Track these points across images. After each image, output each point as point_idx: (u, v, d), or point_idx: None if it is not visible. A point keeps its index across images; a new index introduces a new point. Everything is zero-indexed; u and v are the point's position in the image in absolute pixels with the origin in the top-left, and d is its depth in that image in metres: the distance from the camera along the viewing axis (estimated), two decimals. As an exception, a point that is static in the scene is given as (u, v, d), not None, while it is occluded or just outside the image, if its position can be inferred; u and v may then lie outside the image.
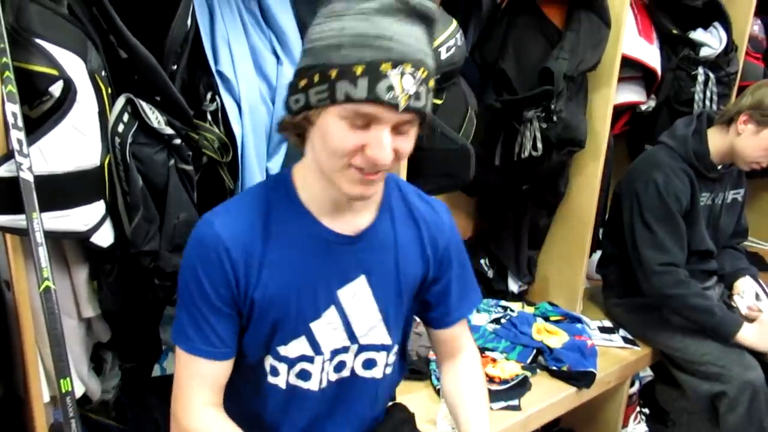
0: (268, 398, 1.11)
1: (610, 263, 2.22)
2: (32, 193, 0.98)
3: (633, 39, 2.16)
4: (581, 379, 1.84)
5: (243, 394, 1.13)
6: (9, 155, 0.98)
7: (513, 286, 2.25)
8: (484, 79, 1.96)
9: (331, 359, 1.10)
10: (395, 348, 1.16)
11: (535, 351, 1.91)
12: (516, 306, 2.15)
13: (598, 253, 2.33)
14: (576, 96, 1.93)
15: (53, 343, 0.94)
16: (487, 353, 1.89)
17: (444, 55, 1.51)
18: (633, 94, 2.29)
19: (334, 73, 0.85)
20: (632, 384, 2.20)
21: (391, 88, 0.84)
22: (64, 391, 0.94)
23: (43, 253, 0.97)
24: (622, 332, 2.15)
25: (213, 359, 1.02)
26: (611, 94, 1.98)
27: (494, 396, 1.72)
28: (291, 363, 1.07)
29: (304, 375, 1.09)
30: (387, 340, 1.13)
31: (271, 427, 1.13)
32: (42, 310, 0.97)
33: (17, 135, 0.97)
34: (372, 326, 1.11)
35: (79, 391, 1.27)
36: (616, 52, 1.93)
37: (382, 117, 0.87)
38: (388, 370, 1.17)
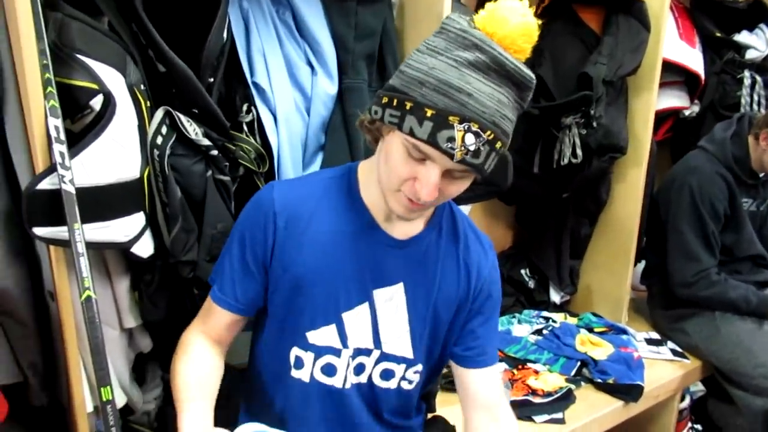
0: (290, 394, 1.12)
1: (654, 273, 2.16)
2: (74, 205, 0.99)
3: (674, 43, 2.11)
4: (628, 392, 1.78)
5: (266, 390, 1.15)
6: (52, 168, 1.00)
7: (555, 296, 2.20)
8: (521, 86, 1.94)
9: (353, 357, 1.10)
10: (418, 365, 1.15)
11: (579, 363, 1.86)
12: (558, 317, 2.10)
13: (643, 263, 2.27)
14: (616, 101, 1.89)
15: (94, 351, 0.95)
16: (530, 365, 1.85)
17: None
18: (675, 99, 2.24)
19: (408, 106, 0.89)
20: (682, 398, 2.12)
21: (452, 139, 0.87)
22: (104, 399, 0.95)
23: (84, 263, 0.98)
24: (670, 344, 2.08)
25: (221, 307, 1.10)
26: (653, 99, 1.93)
27: (537, 409, 1.68)
28: (318, 352, 1.09)
29: (330, 369, 1.10)
30: (409, 353, 1.13)
31: (291, 427, 1.13)
32: (83, 320, 0.98)
33: (59, 148, 0.99)
34: (398, 335, 1.11)
35: (121, 401, 1.29)
36: (656, 56, 1.89)
37: (436, 159, 0.90)
38: (404, 384, 1.15)
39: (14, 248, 1.09)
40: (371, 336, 1.10)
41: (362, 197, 1.07)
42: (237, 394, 1.27)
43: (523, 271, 2.20)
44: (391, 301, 1.09)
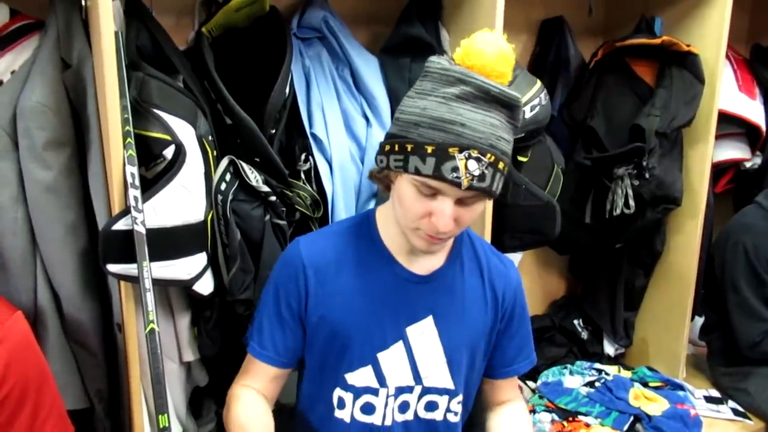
0: None
1: (713, 329, 2.10)
2: (144, 245, 1.08)
3: (733, 95, 2.09)
4: (683, 450, 1.72)
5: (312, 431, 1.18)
6: (126, 211, 1.10)
7: (609, 348, 2.16)
8: (573, 137, 1.97)
9: (395, 396, 1.14)
10: (459, 396, 1.18)
11: (632, 418, 1.81)
12: (612, 369, 2.05)
13: (702, 318, 2.21)
14: (670, 153, 1.89)
15: (154, 381, 1.03)
16: (581, 418, 1.82)
17: (528, 114, 1.55)
18: (736, 151, 2.20)
19: (409, 147, 0.96)
20: (745, 460, 2.02)
21: (455, 169, 0.93)
22: (161, 426, 1.01)
23: (150, 298, 1.06)
24: (731, 403, 1.99)
25: (262, 361, 1.14)
26: (709, 151, 1.92)
27: (587, 463, 1.65)
28: (356, 393, 1.13)
29: (368, 409, 1.13)
30: (450, 384, 1.16)
31: None
32: (146, 351, 1.06)
33: (134, 193, 1.10)
34: (436, 368, 1.14)
35: (177, 431, 1.36)
36: (712, 108, 1.88)
37: (446, 191, 0.96)
38: (450, 416, 1.19)
39: (90, 283, 1.19)
40: (410, 373, 1.14)
41: (382, 239, 1.13)
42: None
43: (576, 322, 2.18)
44: (424, 335, 1.13)
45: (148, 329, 1.05)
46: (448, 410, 1.18)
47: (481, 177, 0.94)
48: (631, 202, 1.81)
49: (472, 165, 0.93)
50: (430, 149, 0.93)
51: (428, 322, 1.13)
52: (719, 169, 2.19)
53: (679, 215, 1.99)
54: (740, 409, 1.97)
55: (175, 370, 1.36)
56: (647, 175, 1.79)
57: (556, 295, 2.31)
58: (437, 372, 1.15)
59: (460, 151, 0.92)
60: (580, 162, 1.91)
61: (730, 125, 2.12)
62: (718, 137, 1.97)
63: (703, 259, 2.05)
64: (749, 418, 1.93)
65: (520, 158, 1.63)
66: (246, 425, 1.09)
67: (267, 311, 1.15)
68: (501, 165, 0.96)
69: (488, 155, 0.93)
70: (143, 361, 1.18)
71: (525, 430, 1.24)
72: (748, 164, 2.22)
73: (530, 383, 2.02)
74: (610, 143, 1.87)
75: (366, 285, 1.12)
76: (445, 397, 1.17)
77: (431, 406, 1.17)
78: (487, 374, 1.26)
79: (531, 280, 2.21)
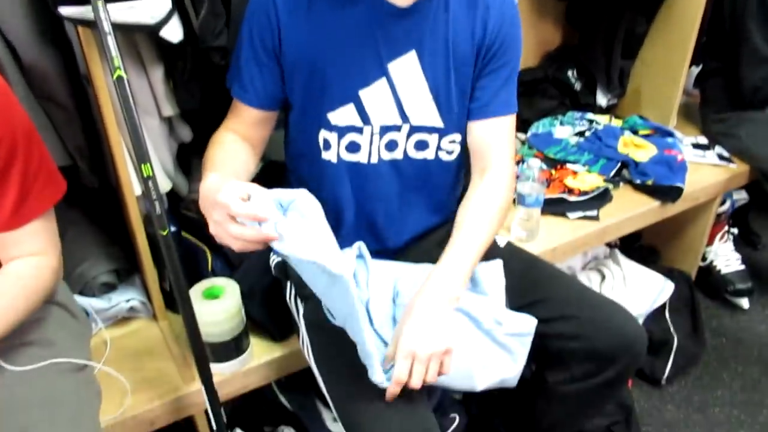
0: (322, 176, 1.16)
1: (710, 76, 2.05)
2: (95, -19, 0.96)
3: None
4: (666, 193, 1.77)
5: (305, 179, 1.19)
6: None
7: (601, 99, 2.12)
8: None
9: (381, 134, 1.12)
10: (453, 135, 1.16)
11: (619, 164, 1.84)
12: (603, 119, 2.04)
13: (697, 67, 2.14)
14: None
15: (131, 130, 0.98)
16: (568, 165, 1.84)
17: None
18: None
19: None
20: (723, 203, 2.11)
21: None
22: (145, 175, 0.99)
23: (111, 42, 0.97)
24: (718, 149, 2.01)
25: (245, 103, 1.13)
26: None
27: (572, 206, 1.70)
28: (340, 132, 1.11)
29: (354, 147, 1.13)
30: (438, 122, 1.13)
31: (336, 210, 1.18)
32: (118, 100, 0.99)
33: None
34: (423, 105, 1.11)
35: (166, 186, 1.36)
36: None
37: None
38: (442, 155, 1.17)
39: (45, 32, 1.10)
40: (396, 111, 1.11)
41: None
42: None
43: (569, 73, 2.10)
44: (407, 70, 1.08)
45: (115, 76, 0.98)
46: (439, 148, 1.16)
47: None
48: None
49: None
50: None
51: (411, 56, 1.07)
52: None
53: (691, -47, 1.82)
54: (725, 154, 2.00)
55: (156, 126, 1.31)
56: None
57: (550, 45, 2.19)
58: (424, 110, 1.11)
59: None
60: None
61: None
62: None
63: (711, 3, 1.92)
64: (733, 163, 1.96)
65: None
66: (219, 165, 1.07)
67: (244, 51, 1.10)
68: None
69: None
70: (118, 113, 1.12)
71: (487, 220, 1.13)
72: None
73: (520, 135, 2.01)
74: None
75: (342, 18, 1.05)
76: (435, 136, 1.14)
77: (421, 145, 1.15)
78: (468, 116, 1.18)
79: (524, 30, 2.01)
